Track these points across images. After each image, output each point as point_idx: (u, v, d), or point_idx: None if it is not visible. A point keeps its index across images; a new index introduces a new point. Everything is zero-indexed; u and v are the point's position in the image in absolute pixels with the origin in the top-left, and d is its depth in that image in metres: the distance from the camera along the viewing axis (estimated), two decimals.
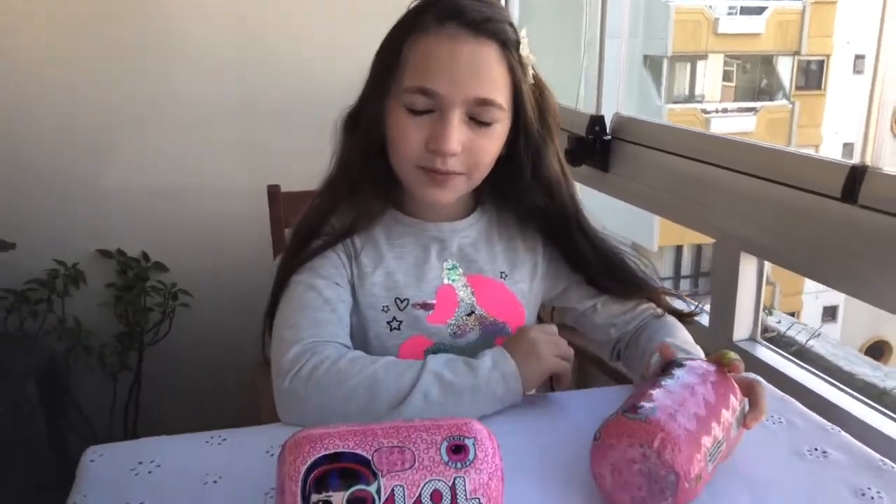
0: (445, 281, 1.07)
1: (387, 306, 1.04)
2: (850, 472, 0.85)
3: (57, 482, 1.80)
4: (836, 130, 11.19)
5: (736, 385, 0.84)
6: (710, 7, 11.58)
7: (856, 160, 1.08)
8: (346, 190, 1.05)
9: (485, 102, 0.96)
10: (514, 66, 0.98)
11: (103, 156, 2.05)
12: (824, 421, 0.96)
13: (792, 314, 8.93)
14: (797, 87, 11.88)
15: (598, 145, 1.67)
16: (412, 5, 0.99)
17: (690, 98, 11.93)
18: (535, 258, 1.12)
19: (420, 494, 0.67)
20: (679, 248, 11.06)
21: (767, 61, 12.15)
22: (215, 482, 0.81)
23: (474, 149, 0.98)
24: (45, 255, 2.00)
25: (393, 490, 0.66)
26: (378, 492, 0.66)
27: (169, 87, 2.06)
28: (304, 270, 1.03)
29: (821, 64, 11.81)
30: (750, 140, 1.35)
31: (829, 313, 10.22)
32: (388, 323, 1.04)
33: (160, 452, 0.86)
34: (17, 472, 1.77)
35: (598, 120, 1.68)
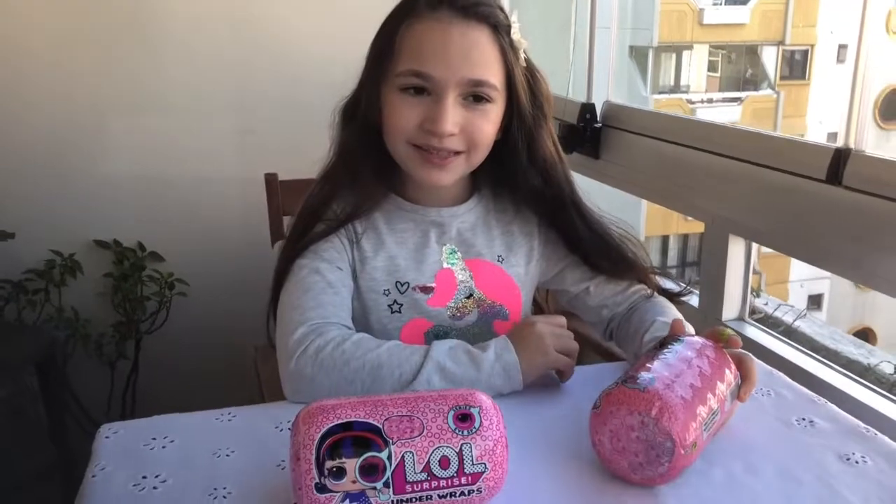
0: (445, 265, 1.10)
1: (388, 290, 1.07)
2: (835, 440, 0.89)
3: (56, 467, 1.83)
4: (820, 120, 11.24)
5: (731, 359, 0.88)
6: None
7: (840, 143, 1.12)
8: (345, 176, 1.07)
9: (478, 84, 0.99)
10: (506, 49, 1.01)
11: (99, 147, 2.06)
12: (811, 392, 0.99)
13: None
14: (782, 77, 11.91)
15: (588, 133, 1.69)
16: None
17: (676, 88, 11.95)
18: (531, 242, 1.15)
19: (429, 460, 0.70)
20: (665, 238, 11.09)
21: (752, 51, 12.18)
22: (228, 455, 0.84)
23: (470, 128, 1.01)
24: (43, 246, 2.02)
25: (403, 456, 0.70)
26: (389, 458, 0.69)
27: (164, 78, 2.07)
28: (307, 254, 1.05)
29: (805, 54, 11.85)
30: (737, 125, 1.39)
31: (815, 302, 10.30)
32: (389, 306, 1.07)
33: (173, 429, 0.89)
34: (17, 458, 1.79)
35: (588, 108, 1.71)
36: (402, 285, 1.07)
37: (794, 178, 1.19)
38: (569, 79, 1.77)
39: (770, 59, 12.03)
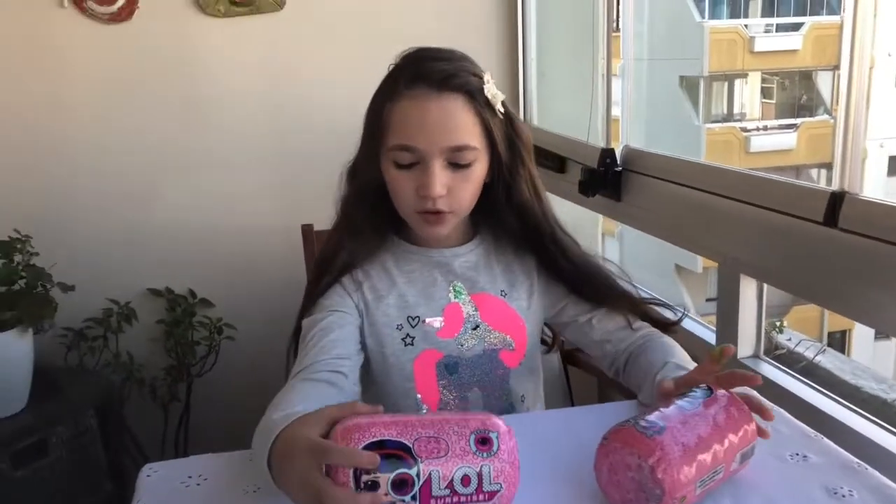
0: (452, 300, 1.20)
1: (400, 324, 1.18)
2: (826, 474, 0.92)
3: (113, 502, 1.94)
4: (881, 143, 10.98)
5: (753, 422, 0.91)
6: (746, 26, 11.52)
7: (835, 186, 1.16)
8: (347, 230, 1.20)
9: (459, 148, 1.09)
10: (481, 110, 1.10)
11: (151, 202, 2.21)
12: (808, 428, 1.03)
13: (843, 332, 8.74)
14: (838, 102, 11.66)
15: (609, 176, 1.75)
16: (388, 71, 1.13)
17: (729, 117, 11.83)
18: (530, 279, 1.25)
19: (452, 478, 0.78)
20: None
21: (807, 77, 11.99)
22: (255, 492, 0.92)
23: (456, 189, 1.11)
24: (101, 296, 2.15)
25: (430, 474, 0.77)
26: (418, 475, 0.77)
27: (211, 137, 2.22)
28: (314, 309, 1.17)
29: None
30: (741, 169, 1.43)
31: (883, 332, 9.95)
32: (403, 339, 1.18)
33: (206, 468, 0.98)
34: (78, 495, 1.90)
35: (608, 152, 1.76)
36: (413, 319, 1.18)
37: (795, 220, 1.22)
38: (589, 123, 1.83)
39: (825, 83, 11.82)
